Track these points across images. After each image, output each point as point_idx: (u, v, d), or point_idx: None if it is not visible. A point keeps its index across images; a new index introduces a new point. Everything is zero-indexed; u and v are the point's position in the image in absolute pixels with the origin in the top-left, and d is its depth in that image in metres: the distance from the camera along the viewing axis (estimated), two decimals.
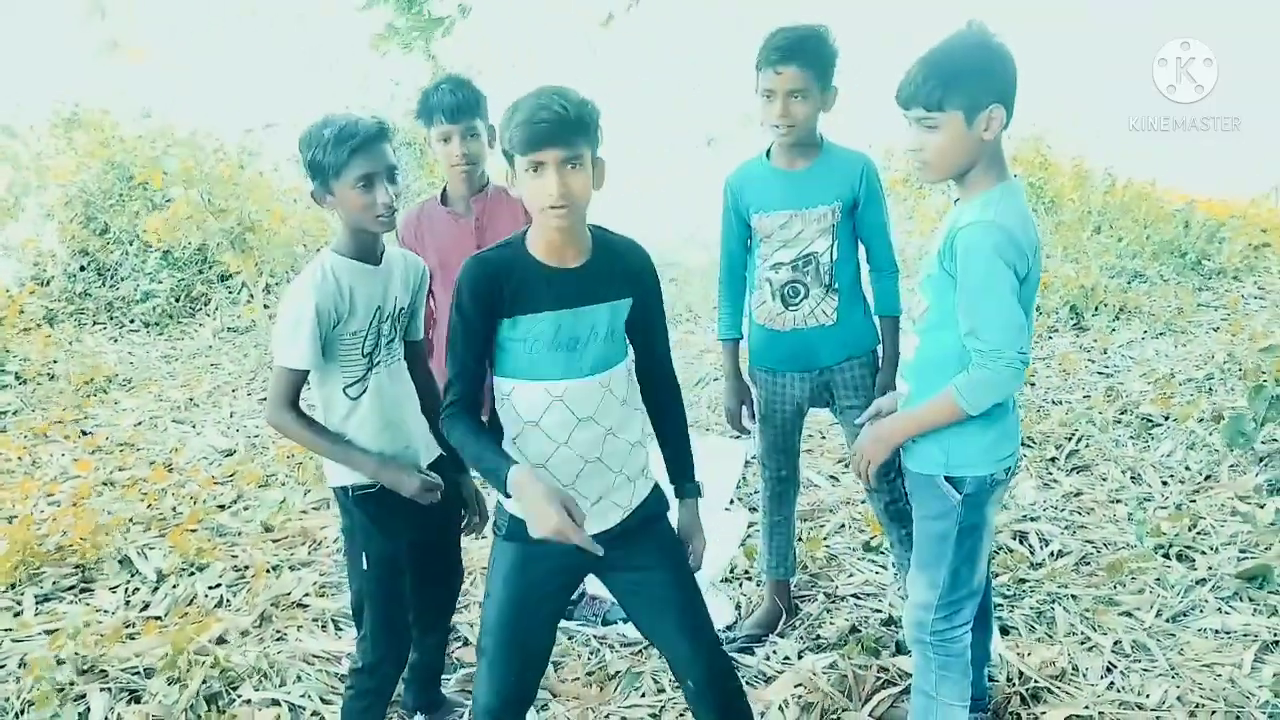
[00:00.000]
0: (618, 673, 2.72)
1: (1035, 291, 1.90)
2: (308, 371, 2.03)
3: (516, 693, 1.89)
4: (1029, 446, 4.04)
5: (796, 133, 2.44)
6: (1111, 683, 2.56)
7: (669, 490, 2.03)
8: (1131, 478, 3.76)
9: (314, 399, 2.13)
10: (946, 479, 1.95)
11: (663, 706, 2.57)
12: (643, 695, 2.63)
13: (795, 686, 2.58)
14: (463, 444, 1.82)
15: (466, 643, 2.91)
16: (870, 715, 2.48)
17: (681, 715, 2.53)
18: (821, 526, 3.54)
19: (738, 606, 3.06)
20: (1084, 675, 2.59)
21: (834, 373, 2.61)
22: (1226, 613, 2.83)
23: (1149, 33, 7.53)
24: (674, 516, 2.01)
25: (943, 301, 1.88)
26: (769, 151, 2.57)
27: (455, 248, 2.51)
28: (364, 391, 2.10)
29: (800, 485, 2.92)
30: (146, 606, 3.14)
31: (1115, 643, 2.72)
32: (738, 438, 4.36)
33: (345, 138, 1.94)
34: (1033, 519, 3.47)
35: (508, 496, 1.75)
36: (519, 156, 1.68)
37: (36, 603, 3.15)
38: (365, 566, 2.15)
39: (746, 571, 3.24)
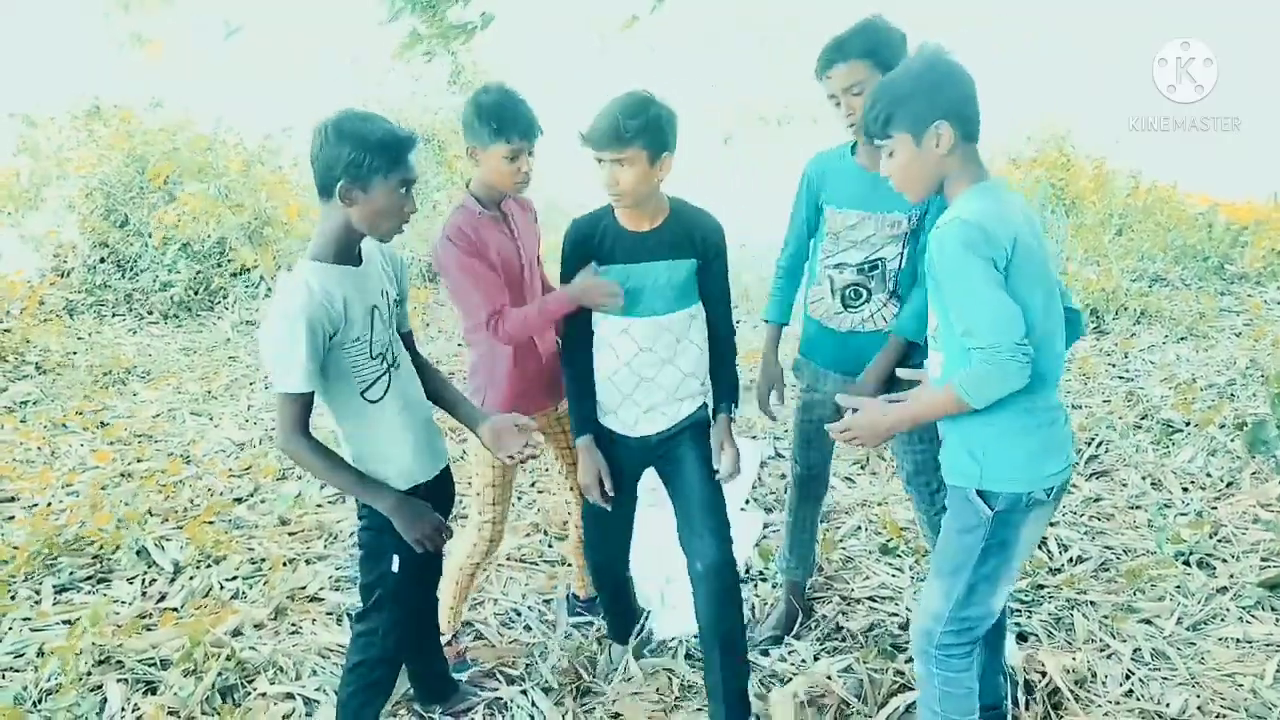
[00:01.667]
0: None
1: (1036, 278, 1.81)
2: (313, 393, 1.95)
3: (614, 548, 2.60)
4: None
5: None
6: (1131, 690, 2.53)
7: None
8: (1152, 484, 3.72)
9: (328, 414, 2.06)
10: (978, 493, 1.89)
11: None
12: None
13: (810, 688, 2.57)
14: (564, 374, 2.42)
15: (479, 637, 2.91)
16: (885, 719, 2.46)
17: None
18: (838, 528, 3.52)
19: (751, 608, 3.05)
20: (1103, 683, 2.56)
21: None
22: (1248, 622, 2.80)
23: (1149, 33, 7.49)
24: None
25: (947, 312, 1.85)
26: (855, 145, 2.45)
27: (508, 250, 2.50)
28: (385, 392, 2.05)
29: (828, 486, 2.88)
30: (163, 598, 3.16)
31: (1135, 650, 2.69)
32: (755, 438, 4.36)
33: (398, 139, 1.90)
34: (1052, 524, 3.44)
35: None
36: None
37: (55, 593, 3.17)
38: (394, 568, 2.10)
39: (761, 572, 3.23)
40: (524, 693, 2.64)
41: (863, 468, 4.04)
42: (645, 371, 2.33)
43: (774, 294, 2.70)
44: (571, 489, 2.86)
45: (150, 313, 6.76)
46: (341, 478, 2.01)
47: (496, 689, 2.65)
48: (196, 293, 6.91)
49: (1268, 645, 2.68)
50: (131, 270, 7.05)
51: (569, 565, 3.30)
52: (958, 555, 1.95)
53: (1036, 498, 1.89)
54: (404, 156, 1.91)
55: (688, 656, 2.81)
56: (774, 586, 3.08)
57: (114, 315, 6.75)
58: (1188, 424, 4.16)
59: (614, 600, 2.79)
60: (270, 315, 1.93)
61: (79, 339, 6.17)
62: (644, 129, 2.10)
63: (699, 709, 2.56)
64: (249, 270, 6.89)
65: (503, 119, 2.37)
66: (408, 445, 2.09)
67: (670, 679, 2.69)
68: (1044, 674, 2.57)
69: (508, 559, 3.38)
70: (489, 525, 2.65)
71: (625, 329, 2.31)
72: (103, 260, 7.12)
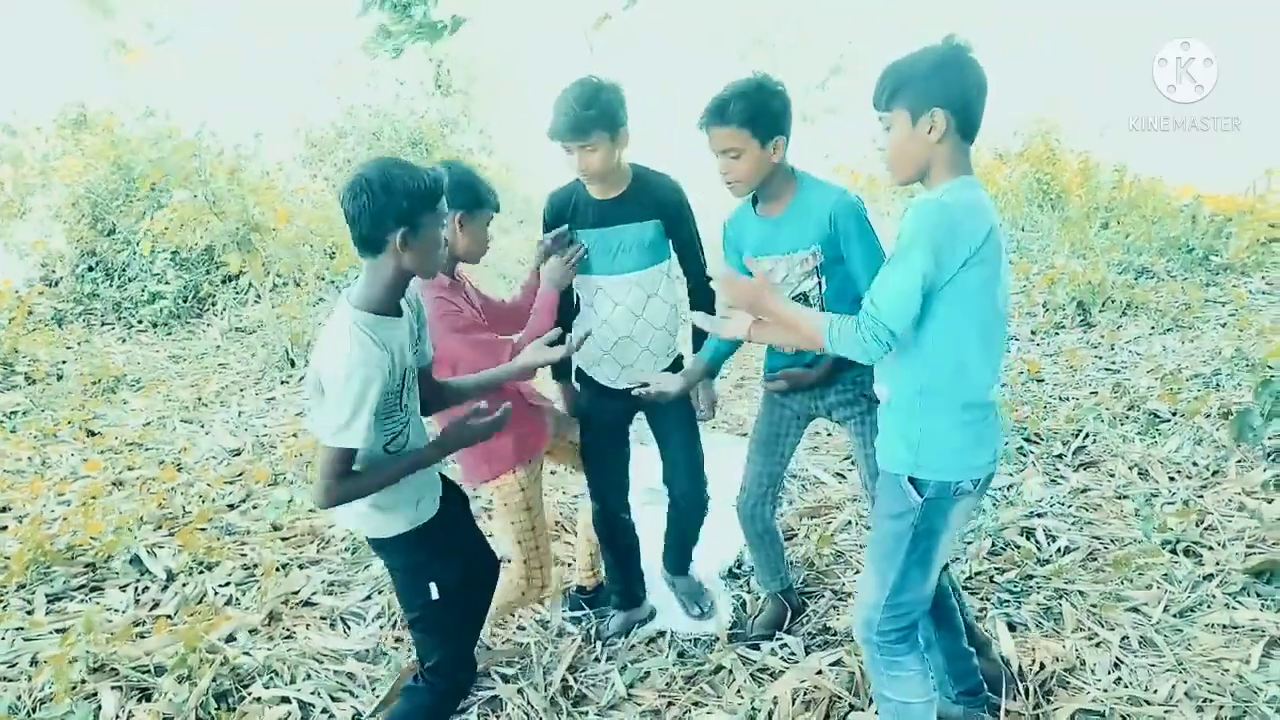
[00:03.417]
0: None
1: (996, 275, 1.85)
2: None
3: (612, 480, 2.85)
4: (1035, 443, 4.03)
5: (741, 189, 2.39)
6: (1119, 678, 2.56)
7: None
8: (1139, 473, 3.75)
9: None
10: (910, 480, 1.95)
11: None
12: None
13: (800, 682, 2.59)
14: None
15: None
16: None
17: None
18: (828, 523, 3.54)
19: (742, 605, 3.07)
20: (1091, 671, 2.59)
21: (829, 389, 2.56)
22: (1234, 608, 2.83)
23: (1149, 33, 7.52)
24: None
25: None
26: (754, 198, 2.50)
27: (470, 311, 2.51)
28: (406, 443, 2.03)
29: (779, 499, 2.86)
30: (156, 605, 3.16)
31: (1123, 638, 2.72)
32: (745, 435, 4.37)
33: (438, 179, 1.91)
34: (1040, 515, 3.47)
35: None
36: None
37: (48, 602, 3.17)
38: (436, 597, 2.10)
39: (752, 568, 3.24)
40: (519, 691, 2.66)
41: (853, 463, 4.05)
42: (621, 328, 2.61)
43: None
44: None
45: (139, 321, 6.75)
46: (402, 469, 1.99)
47: (492, 687, 2.67)
48: (185, 300, 6.90)
49: (1253, 631, 2.71)
50: (120, 279, 7.03)
51: (568, 564, 3.31)
52: (888, 541, 2.01)
53: (964, 488, 1.95)
54: (442, 192, 1.93)
55: (680, 655, 2.83)
56: None
57: (103, 324, 6.73)
58: (1174, 414, 4.19)
59: (614, 548, 2.91)
60: (334, 370, 1.86)
61: (68, 348, 6.15)
62: (600, 116, 2.38)
63: (693, 704, 2.58)
64: (237, 278, 6.88)
65: (474, 192, 2.43)
66: (420, 491, 2.10)
67: (663, 677, 2.70)
68: (1034, 663, 2.60)
69: (502, 558, 3.39)
70: (538, 571, 2.67)
71: (601, 287, 2.60)
72: (91, 269, 7.09)
